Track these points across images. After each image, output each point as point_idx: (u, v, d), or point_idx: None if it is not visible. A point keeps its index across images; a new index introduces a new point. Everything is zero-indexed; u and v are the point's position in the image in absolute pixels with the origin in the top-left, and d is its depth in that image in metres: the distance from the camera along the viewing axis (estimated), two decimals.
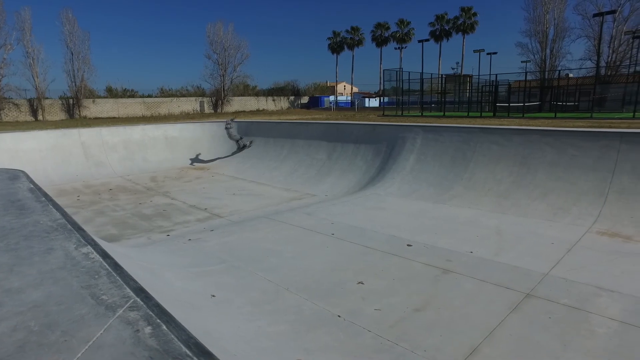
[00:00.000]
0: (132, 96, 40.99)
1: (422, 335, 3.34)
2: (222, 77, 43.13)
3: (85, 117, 31.22)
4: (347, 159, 10.70)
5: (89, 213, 8.08)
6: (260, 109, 46.05)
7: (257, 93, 51.94)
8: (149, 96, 41.91)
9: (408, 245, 5.44)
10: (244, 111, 39.71)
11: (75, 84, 32.99)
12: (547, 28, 36.80)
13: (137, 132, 14.52)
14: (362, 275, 4.49)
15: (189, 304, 3.50)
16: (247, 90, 50.51)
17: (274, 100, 50.88)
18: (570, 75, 33.90)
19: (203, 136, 15.76)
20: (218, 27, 42.27)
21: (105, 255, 2.74)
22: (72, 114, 33.29)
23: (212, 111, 42.05)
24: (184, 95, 44.02)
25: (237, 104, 45.11)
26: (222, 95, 43.17)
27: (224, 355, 2.30)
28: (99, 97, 36.80)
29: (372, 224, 6.48)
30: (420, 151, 9.36)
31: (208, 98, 43.77)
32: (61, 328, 1.95)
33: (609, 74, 32.45)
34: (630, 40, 31.38)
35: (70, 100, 33.51)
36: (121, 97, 39.16)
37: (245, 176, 11.86)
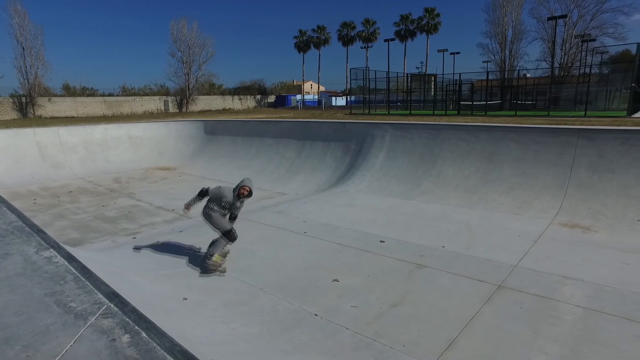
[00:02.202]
0: (92, 95, 39.26)
1: (400, 330, 3.34)
2: (187, 76, 42.06)
3: (40, 117, 29.59)
4: (317, 156, 10.67)
5: (48, 217, 7.65)
6: (227, 108, 45.25)
7: (223, 92, 51.03)
8: (110, 95, 40.32)
9: (381, 241, 5.46)
10: (209, 110, 38.93)
11: (28, 82, 31.21)
12: (505, 30, 38.18)
13: (99, 131, 13.92)
14: (337, 273, 4.46)
15: (162, 308, 3.36)
16: (212, 89, 49.52)
17: (240, 99, 50.14)
18: (528, 75, 35.27)
19: (169, 136, 15.32)
20: (182, 24, 41.14)
21: (71, 258, 2.55)
22: (26, 113, 31.51)
23: (177, 110, 40.94)
24: (147, 94, 42.63)
25: (203, 103, 44.14)
26: (187, 94, 42.10)
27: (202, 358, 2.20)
28: (56, 95, 35.01)
29: (343, 221, 6.47)
30: (389, 148, 9.45)
31: (172, 97, 42.57)
32: (22, 342, 1.78)
33: (562, 74, 34.05)
34: (580, 44, 33.04)
35: (23, 99, 31.68)
36: (80, 95, 37.42)
37: (213, 176, 11.59)
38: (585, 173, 7.13)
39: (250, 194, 4.48)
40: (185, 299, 3.78)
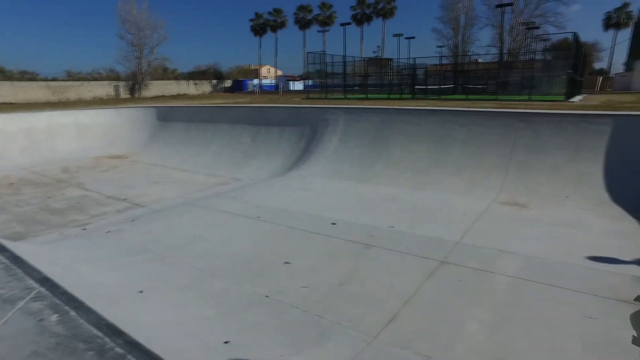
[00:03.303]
0: (33, 79, 36.81)
1: (347, 307, 3.52)
2: (138, 60, 40.26)
3: None
4: (272, 141, 10.68)
5: None
6: (182, 93, 43.84)
7: (178, 77, 49.41)
8: (54, 79, 37.99)
9: (332, 223, 5.63)
10: (163, 96, 37.58)
11: None
12: (458, 15, 39.18)
13: (43, 119, 13.18)
14: (289, 256, 4.58)
15: (109, 297, 3.35)
16: (166, 74, 47.81)
17: (195, 84, 48.72)
18: (479, 60, 36.52)
19: (120, 122, 14.74)
20: (131, 5, 39.15)
21: (2, 249, 2.49)
22: None
23: (129, 96, 39.22)
24: (95, 79, 40.54)
25: (156, 88, 42.50)
26: (139, 79, 40.35)
27: (148, 342, 2.25)
28: None
29: (297, 205, 6.59)
30: (342, 132, 9.62)
31: (124, 82, 40.67)
32: None
33: (510, 60, 35.48)
34: (525, 31, 34.55)
35: None
36: (18, 79, 34.99)
37: (167, 163, 11.35)
38: (524, 154, 7.61)
39: None
40: (140, 290, 3.77)
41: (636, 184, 6.33)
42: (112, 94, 38.91)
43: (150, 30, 40.45)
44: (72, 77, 40.33)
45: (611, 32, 54.73)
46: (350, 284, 3.93)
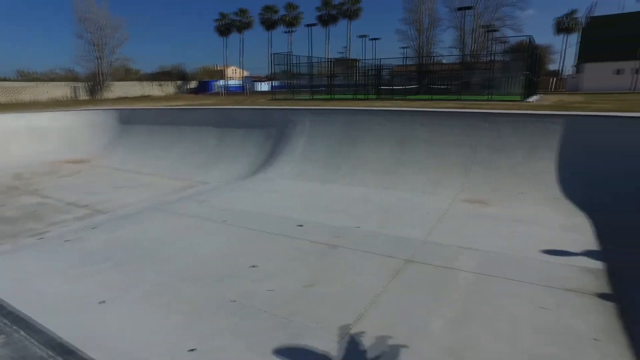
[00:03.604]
0: None
1: (314, 309, 3.54)
2: (98, 60, 38.84)
3: None
4: (238, 144, 10.59)
5: None
6: (145, 94, 42.65)
7: (141, 78, 48.08)
8: (5, 79, 36.09)
9: (299, 225, 5.64)
10: (127, 97, 36.42)
11: None
12: (422, 17, 40.13)
13: None
14: (255, 259, 4.57)
15: (67, 311, 3.24)
16: (129, 75, 46.45)
17: (160, 85, 47.55)
18: (443, 61, 37.54)
19: (80, 125, 14.21)
20: (89, 2, 37.71)
21: None
22: None
23: (89, 97, 37.79)
24: (52, 80, 38.77)
25: (119, 89, 41.14)
26: (100, 80, 38.93)
27: (111, 353, 2.19)
28: None
29: (264, 208, 6.57)
30: (309, 134, 9.67)
31: (83, 83, 39.09)
32: None
33: (472, 61, 36.68)
34: (485, 33, 35.85)
35: None
36: None
37: (130, 167, 11.04)
38: (485, 153, 7.89)
39: None
40: (102, 301, 3.66)
41: (585, 181, 6.69)
42: (71, 95, 37.38)
43: (111, 29, 39.13)
44: (25, 77, 38.47)
45: (562, 36, 57.52)
46: (317, 286, 3.96)
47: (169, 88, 48.58)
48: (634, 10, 36.88)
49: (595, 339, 3.01)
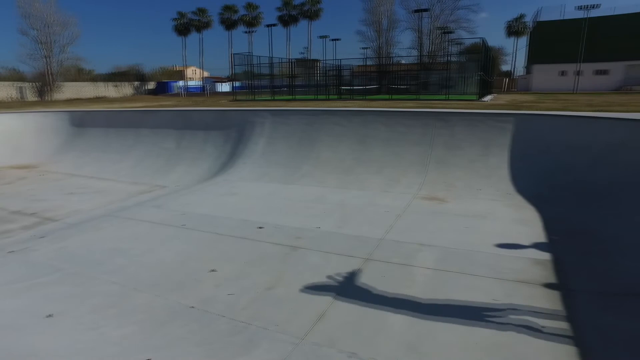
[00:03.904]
0: None
1: (274, 311, 3.51)
2: (46, 59, 36.85)
3: None
4: (197, 146, 10.37)
5: None
6: (100, 96, 40.94)
7: (95, 78, 46.10)
8: None
9: (259, 227, 5.59)
10: (79, 99, 34.84)
11: None
12: (381, 19, 40.84)
13: None
14: (215, 263, 4.48)
15: (8, 327, 3.05)
16: (81, 75, 44.41)
17: (115, 86, 45.76)
18: (402, 61, 38.37)
19: (26, 129, 13.44)
20: None
21: None
22: None
23: (38, 99, 35.83)
24: None
25: (70, 90, 39.22)
26: (49, 80, 36.96)
27: None
28: None
29: (223, 211, 6.47)
30: (269, 135, 9.61)
31: (30, 83, 36.95)
32: None
33: (430, 62, 37.72)
34: (442, 35, 36.99)
35: None
36: None
37: (84, 172, 10.56)
38: (442, 151, 8.12)
39: None
40: (50, 315, 3.47)
41: (533, 176, 7.03)
42: (17, 96, 35.31)
43: (59, 26, 37.21)
44: None
45: (512, 38, 60.26)
46: (277, 288, 3.93)
47: (126, 89, 46.89)
48: (574, 17, 39.15)
49: (542, 327, 3.15)
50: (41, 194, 8.47)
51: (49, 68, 36.99)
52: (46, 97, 36.16)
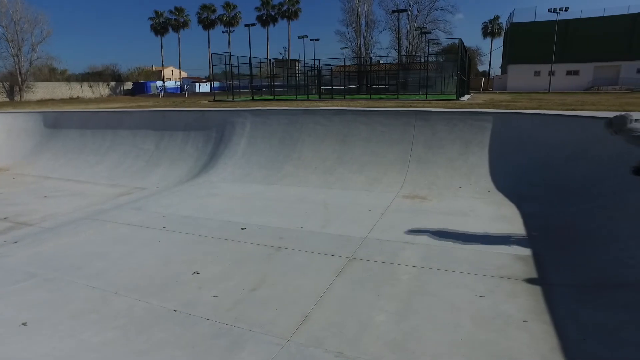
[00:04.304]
0: None
1: (259, 312, 3.48)
2: (16, 58, 35.62)
3: None
4: (177, 147, 10.20)
5: None
6: (75, 96, 39.88)
7: (69, 78, 44.87)
8: None
9: (242, 228, 5.54)
10: (52, 100, 33.84)
11: None
12: (359, 19, 41.06)
13: None
14: (197, 265, 4.41)
15: None
16: (54, 75, 43.19)
17: (90, 86, 44.63)
18: (381, 61, 38.66)
19: None
20: None
21: None
22: None
23: (8, 99, 34.66)
24: None
25: (43, 91, 38.05)
26: (20, 80, 35.76)
27: None
28: None
29: (205, 212, 6.38)
30: (250, 135, 9.53)
31: None
32: None
33: (408, 62, 38.14)
34: (420, 35, 37.46)
35: None
36: None
37: (59, 175, 10.25)
38: (422, 149, 8.20)
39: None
40: (24, 323, 3.34)
41: (512, 173, 7.17)
42: None
43: (29, 24, 35.96)
44: None
45: (488, 39, 61.52)
46: (261, 289, 3.89)
47: (102, 89, 45.82)
48: (546, 19, 40.28)
49: (524, 321, 3.21)
50: (13, 198, 8.18)
51: (18, 67, 35.77)
52: (16, 98, 34.99)
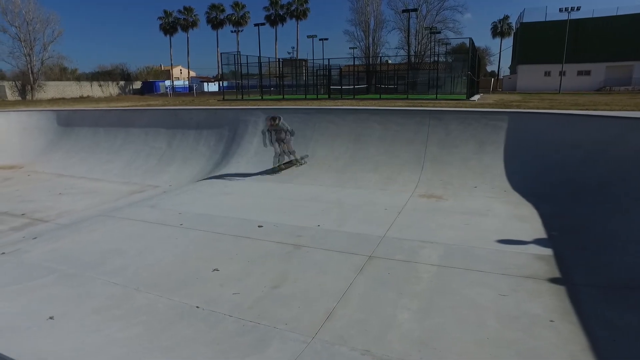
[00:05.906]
0: None
1: (282, 310, 3.47)
2: (28, 57, 35.96)
3: None
4: (189, 145, 10.24)
5: None
6: (85, 95, 40.20)
7: (79, 77, 45.22)
8: None
9: (259, 226, 5.54)
10: (63, 98, 34.10)
11: None
12: (368, 19, 40.99)
13: None
14: (216, 262, 4.41)
15: (11, 330, 2.95)
16: (65, 74, 43.55)
17: (100, 85, 44.96)
18: (390, 61, 38.56)
19: (9, 128, 13.10)
20: None
21: None
22: None
23: (20, 98, 35.00)
24: None
25: (54, 90, 38.39)
26: (31, 79, 36.09)
27: None
28: None
29: (220, 210, 6.39)
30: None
31: (11, 82, 36.03)
32: None
33: (417, 62, 38.00)
34: (429, 35, 37.31)
35: None
36: None
37: (73, 172, 10.34)
38: (437, 149, 8.16)
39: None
40: (51, 317, 3.36)
41: (528, 173, 7.11)
42: None
43: (41, 24, 36.31)
44: None
45: (498, 39, 61.10)
46: (283, 286, 3.88)
47: (111, 88, 46.15)
48: (556, 19, 39.91)
49: (551, 320, 3.17)
50: (29, 195, 8.26)
51: (30, 66, 36.14)
52: (28, 97, 35.34)
